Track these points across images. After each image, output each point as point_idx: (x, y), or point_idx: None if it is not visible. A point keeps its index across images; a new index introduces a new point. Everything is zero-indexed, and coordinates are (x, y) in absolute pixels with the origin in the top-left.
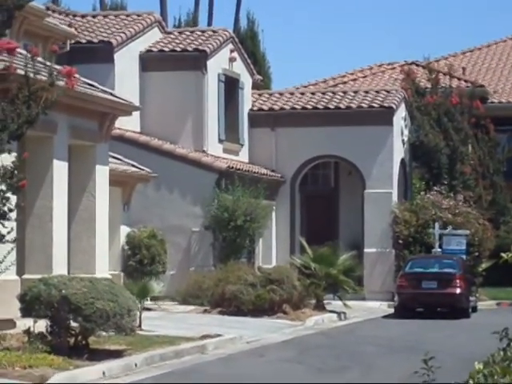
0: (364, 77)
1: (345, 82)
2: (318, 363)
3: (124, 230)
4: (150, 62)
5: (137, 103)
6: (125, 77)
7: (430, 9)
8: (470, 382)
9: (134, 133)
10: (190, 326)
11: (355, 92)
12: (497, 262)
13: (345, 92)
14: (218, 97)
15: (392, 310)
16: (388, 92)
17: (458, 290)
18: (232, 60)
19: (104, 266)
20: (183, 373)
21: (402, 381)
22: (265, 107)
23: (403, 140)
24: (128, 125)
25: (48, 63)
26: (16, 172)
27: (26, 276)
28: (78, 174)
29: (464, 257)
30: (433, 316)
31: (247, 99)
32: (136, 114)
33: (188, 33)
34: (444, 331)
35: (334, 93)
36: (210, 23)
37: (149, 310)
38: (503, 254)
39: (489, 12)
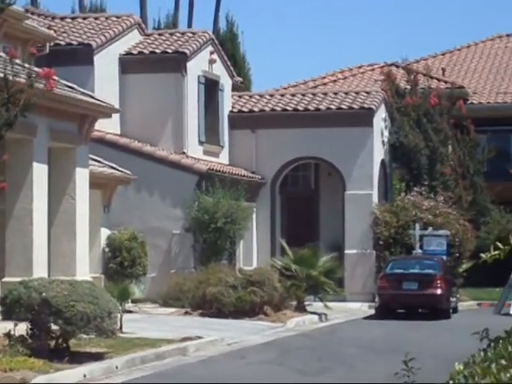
0: (344, 78)
1: (325, 84)
2: (299, 365)
3: (104, 233)
4: (129, 64)
5: (117, 105)
6: (104, 79)
7: (409, 10)
8: (451, 382)
9: (114, 135)
10: (171, 328)
11: (335, 93)
12: (477, 262)
13: (325, 93)
14: (198, 99)
15: (373, 311)
16: (368, 93)
17: (439, 291)
18: (212, 62)
19: (84, 268)
20: (164, 375)
21: (382, 381)
22: (245, 109)
23: (383, 141)
24: (108, 127)
25: (27, 65)
26: None
27: (6, 279)
28: (58, 176)
29: (444, 257)
30: (414, 317)
31: (227, 101)
32: (116, 117)
33: (167, 35)
34: (425, 332)
35: (313, 94)
36: (189, 25)
37: (130, 312)
38: (483, 255)
39: (469, 13)
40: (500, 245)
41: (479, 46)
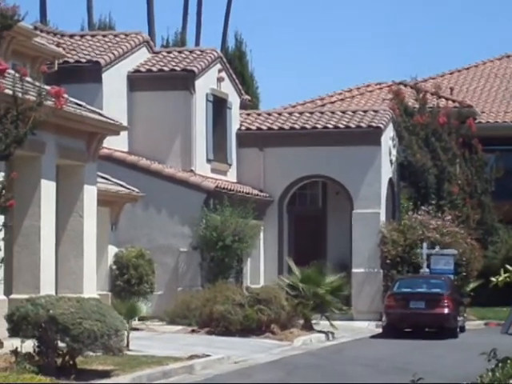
0: (352, 97)
1: (333, 102)
2: None
3: (112, 250)
4: (138, 81)
5: (125, 123)
6: (113, 97)
7: (418, 29)
8: None
9: (122, 152)
10: (178, 346)
11: (343, 112)
12: (485, 281)
13: (333, 112)
14: (206, 117)
15: (380, 330)
16: (376, 112)
17: (446, 310)
18: (220, 80)
19: (92, 285)
20: None
21: None
22: (253, 127)
23: (391, 160)
24: (116, 144)
25: (37, 83)
26: (4, 192)
27: (13, 296)
28: (66, 193)
29: (452, 277)
30: (421, 336)
31: (235, 119)
32: (124, 134)
33: (176, 53)
34: (432, 351)
35: (321, 113)
36: (197, 43)
37: (136, 330)
38: (493, 279)
39: (477, 33)
40: (509, 267)
41: (487, 65)
